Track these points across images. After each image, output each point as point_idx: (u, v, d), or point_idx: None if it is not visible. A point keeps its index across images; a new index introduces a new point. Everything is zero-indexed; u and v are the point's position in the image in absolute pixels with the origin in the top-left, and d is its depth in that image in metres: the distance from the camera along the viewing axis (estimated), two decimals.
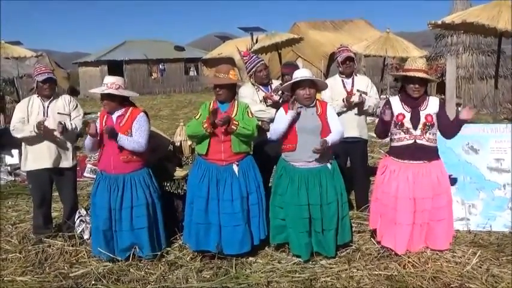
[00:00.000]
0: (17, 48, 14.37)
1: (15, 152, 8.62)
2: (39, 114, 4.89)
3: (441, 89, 12.15)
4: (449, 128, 4.34)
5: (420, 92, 4.23)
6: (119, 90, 4.42)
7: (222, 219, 4.42)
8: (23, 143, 4.98)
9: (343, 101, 5.30)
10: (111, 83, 4.43)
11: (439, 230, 4.36)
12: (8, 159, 8.71)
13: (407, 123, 4.26)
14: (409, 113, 4.27)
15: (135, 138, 4.41)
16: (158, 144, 5.08)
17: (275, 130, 4.44)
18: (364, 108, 5.39)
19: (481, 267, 4.16)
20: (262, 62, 5.19)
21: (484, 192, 5.12)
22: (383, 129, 4.41)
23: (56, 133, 4.82)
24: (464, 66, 16.22)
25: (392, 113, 4.27)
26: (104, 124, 4.49)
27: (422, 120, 4.23)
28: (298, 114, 4.33)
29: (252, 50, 12.49)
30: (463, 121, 4.24)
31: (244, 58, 5.29)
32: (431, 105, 4.29)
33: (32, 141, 4.89)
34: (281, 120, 4.35)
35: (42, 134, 4.78)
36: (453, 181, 4.94)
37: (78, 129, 4.97)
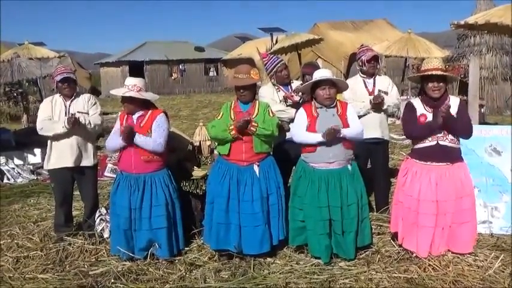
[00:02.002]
0: (40, 49, 14.62)
1: (37, 151, 8.76)
2: (61, 113, 4.95)
3: (464, 90, 11.99)
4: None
5: (440, 91, 4.17)
6: (139, 93, 4.45)
7: (242, 220, 4.43)
8: (48, 141, 5.03)
9: (370, 103, 5.24)
10: (132, 85, 4.46)
11: (462, 232, 4.28)
12: (31, 158, 8.85)
13: None
14: (431, 114, 4.20)
15: (154, 138, 4.43)
16: (178, 145, 5.10)
17: (299, 139, 4.41)
18: (384, 108, 5.34)
19: (503, 272, 4.08)
20: (282, 61, 5.18)
21: (507, 195, 5.02)
22: (427, 135, 4.25)
23: (66, 125, 4.82)
24: (487, 67, 15.98)
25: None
26: (124, 125, 4.51)
27: None
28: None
29: (271, 50, 12.48)
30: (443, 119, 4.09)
31: (264, 60, 5.28)
32: (453, 105, 4.21)
33: (54, 139, 4.95)
34: (310, 137, 4.31)
35: (73, 128, 4.83)
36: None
37: (93, 125, 4.99)
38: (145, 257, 4.54)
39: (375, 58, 5.38)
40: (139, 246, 4.53)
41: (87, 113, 5.02)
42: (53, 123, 4.91)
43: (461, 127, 4.22)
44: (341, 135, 4.22)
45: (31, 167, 8.66)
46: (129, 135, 4.37)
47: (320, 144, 4.28)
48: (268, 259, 4.51)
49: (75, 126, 4.82)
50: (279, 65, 5.10)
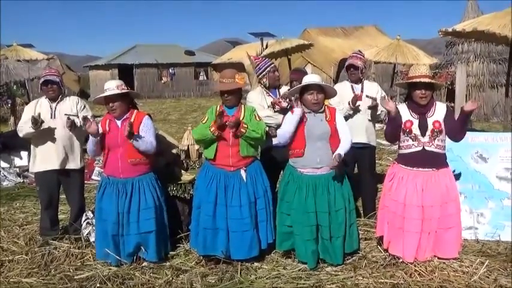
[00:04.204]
0: (28, 50, 14.54)
1: (24, 154, 8.68)
2: (46, 115, 4.91)
3: (451, 97, 12.09)
4: (455, 128, 4.27)
5: (427, 98, 4.20)
6: (123, 90, 4.45)
7: (230, 225, 4.42)
8: (32, 144, 5.00)
9: (349, 104, 5.28)
10: (118, 85, 4.44)
11: (447, 238, 4.31)
12: (17, 161, 8.77)
13: (415, 130, 4.23)
14: (417, 120, 4.24)
15: (147, 139, 4.42)
16: (165, 149, 5.09)
17: (282, 133, 4.40)
18: (378, 113, 5.38)
19: (488, 277, 4.11)
20: (274, 64, 5.19)
21: (492, 202, 5.07)
22: (391, 129, 4.35)
23: (32, 125, 4.73)
24: (474, 74, 16.16)
25: (395, 104, 4.25)
26: (107, 129, 4.48)
27: (430, 126, 4.20)
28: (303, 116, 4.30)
29: (261, 55, 12.52)
30: (466, 113, 4.17)
31: (256, 61, 5.30)
32: (439, 111, 4.26)
33: (39, 141, 4.92)
34: (288, 121, 4.33)
35: (45, 131, 4.78)
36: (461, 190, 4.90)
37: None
38: (131, 262, 4.52)
39: (353, 66, 5.42)
40: (128, 251, 4.51)
41: (76, 115, 4.99)
42: (25, 123, 4.86)
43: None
44: (343, 157, 4.25)
45: (17, 169, 8.58)
46: (129, 131, 4.29)
47: (299, 121, 4.29)
48: (256, 264, 4.50)
49: (71, 128, 4.77)
50: (272, 65, 5.12)
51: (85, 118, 4.43)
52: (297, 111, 4.28)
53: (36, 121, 4.71)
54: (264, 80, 5.15)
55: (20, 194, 7.50)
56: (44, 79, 4.92)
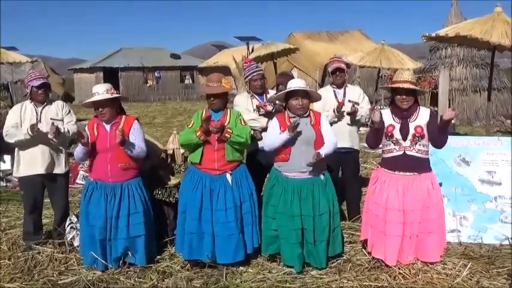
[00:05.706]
0: (12, 53, 14.35)
1: (7, 157, 8.56)
2: (31, 119, 4.86)
3: (435, 101, 12.21)
4: (437, 135, 4.30)
5: (409, 103, 4.25)
6: (113, 94, 4.43)
7: (215, 229, 4.42)
8: (16, 149, 4.95)
9: (334, 112, 5.33)
10: (108, 89, 4.41)
11: (429, 242, 4.35)
12: (0, 165, 8.66)
13: (396, 134, 4.27)
14: (399, 124, 4.28)
15: (137, 144, 4.42)
16: (151, 152, 5.07)
17: (269, 145, 4.43)
18: (357, 118, 5.42)
19: (471, 280, 4.17)
20: (260, 72, 5.17)
21: (475, 204, 5.14)
22: (374, 138, 4.39)
23: (49, 135, 4.72)
24: (458, 79, 16.35)
25: (381, 113, 4.27)
26: (95, 133, 4.44)
27: (412, 131, 4.24)
28: (298, 133, 4.31)
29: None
30: (446, 122, 4.19)
31: (245, 64, 5.31)
32: (422, 116, 4.29)
33: (25, 146, 4.86)
34: (277, 138, 4.34)
35: (36, 136, 4.72)
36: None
37: (71, 134, 4.92)
38: (117, 266, 4.49)
39: (339, 69, 5.47)
40: (115, 255, 4.48)
41: (62, 120, 4.95)
42: (17, 129, 4.81)
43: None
44: (322, 157, 4.26)
45: (0, 173, 8.48)
46: (122, 138, 4.28)
47: (288, 142, 4.30)
48: (241, 268, 4.51)
49: (56, 134, 4.71)
50: (254, 74, 5.11)
51: (79, 132, 4.35)
52: (288, 134, 4.27)
53: (38, 130, 4.68)
54: (246, 86, 5.17)
55: (3, 198, 7.40)
56: (39, 82, 4.84)
